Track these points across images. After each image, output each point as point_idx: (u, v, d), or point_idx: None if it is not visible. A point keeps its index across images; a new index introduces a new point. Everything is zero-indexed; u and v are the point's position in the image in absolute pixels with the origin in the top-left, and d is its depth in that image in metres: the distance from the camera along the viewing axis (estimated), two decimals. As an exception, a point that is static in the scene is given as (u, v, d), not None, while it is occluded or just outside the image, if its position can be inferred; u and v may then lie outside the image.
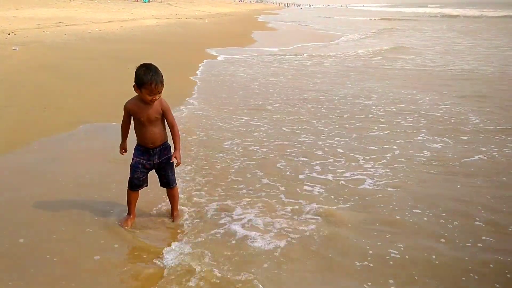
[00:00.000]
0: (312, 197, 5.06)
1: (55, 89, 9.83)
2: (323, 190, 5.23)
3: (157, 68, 3.97)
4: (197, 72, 13.27)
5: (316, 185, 5.38)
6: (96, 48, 16.76)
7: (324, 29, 36.82)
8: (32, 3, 34.79)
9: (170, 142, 4.24)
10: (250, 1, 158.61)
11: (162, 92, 3.98)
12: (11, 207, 4.53)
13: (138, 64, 4.00)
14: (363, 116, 8.66)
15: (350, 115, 8.76)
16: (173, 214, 4.44)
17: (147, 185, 4.35)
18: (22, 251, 3.76)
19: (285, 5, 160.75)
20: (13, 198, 4.73)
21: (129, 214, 4.34)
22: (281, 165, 6.02)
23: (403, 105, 9.59)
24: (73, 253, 3.75)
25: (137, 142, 4.19)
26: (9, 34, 17.65)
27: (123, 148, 4.30)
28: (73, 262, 3.64)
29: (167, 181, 4.34)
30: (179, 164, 4.17)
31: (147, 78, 3.88)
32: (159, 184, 4.42)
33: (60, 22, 23.98)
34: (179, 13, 45.57)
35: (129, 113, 4.12)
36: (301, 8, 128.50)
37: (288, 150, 6.62)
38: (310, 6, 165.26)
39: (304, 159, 6.28)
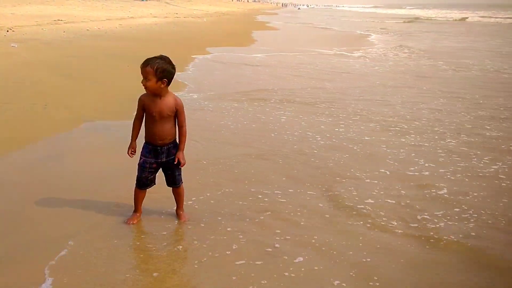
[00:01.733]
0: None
1: (55, 86, 9.76)
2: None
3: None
4: (191, 70, 13.28)
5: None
6: (95, 46, 16.68)
7: (343, 30, 36.00)
8: (29, 1, 34.67)
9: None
10: (248, 1, 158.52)
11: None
12: (16, 205, 4.48)
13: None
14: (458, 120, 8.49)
15: (442, 119, 8.58)
16: (178, 212, 4.39)
17: (155, 184, 4.30)
18: (27, 248, 3.72)
19: (282, 5, 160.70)
20: (18, 197, 4.68)
21: (135, 211, 4.29)
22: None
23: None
24: (79, 251, 3.70)
25: (145, 139, 4.13)
26: (7, 31, 17.58)
27: (132, 148, 4.15)
28: (80, 260, 3.59)
29: (174, 180, 4.28)
30: (184, 164, 4.13)
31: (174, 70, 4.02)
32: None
33: (59, 20, 23.89)
34: (177, 12, 45.48)
35: (143, 106, 4.03)
36: (299, 8, 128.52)
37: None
38: (308, 6, 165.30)
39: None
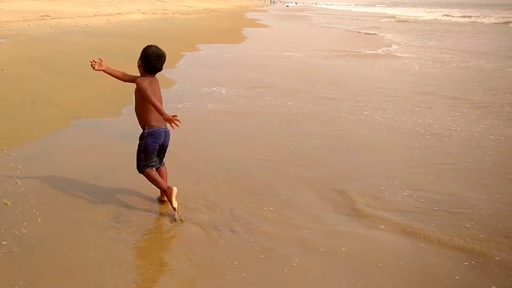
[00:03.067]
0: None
1: (43, 82, 9.64)
2: None
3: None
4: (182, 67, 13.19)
5: None
6: (83, 42, 16.49)
7: (349, 28, 34.11)
8: (15, -4, 34.16)
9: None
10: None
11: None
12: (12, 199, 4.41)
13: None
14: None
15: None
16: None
17: (158, 166, 4.49)
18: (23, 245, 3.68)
19: (270, 2, 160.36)
20: (6, 193, 4.60)
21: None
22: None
23: None
24: (71, 246, 3.67)
25: None
26: (-7, 26, 17.32)
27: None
28: (72, 255, 3.56)
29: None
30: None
31: None
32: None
33: (46, 16, 23.59)
34: (166, 9, 45.14)
35: None
36: (287, 6, 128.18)
37: None
38: (296, 3, 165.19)
39: None
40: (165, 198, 4.37)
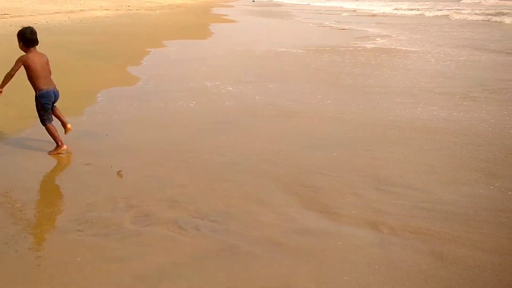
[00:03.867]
0: None
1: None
2: None
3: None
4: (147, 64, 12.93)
5: None
6: (44, 40, 15.79)
7: (325, 24, 32.18)
8: (-28, -6, 33.04)
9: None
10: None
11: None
12: None
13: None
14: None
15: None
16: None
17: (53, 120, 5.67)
18: None
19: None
20: None
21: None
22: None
23: None
24: (31, 250, 3.52)
25: None
26: None
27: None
28: (32, 259, 3.42)
29: None
30: None
31: None
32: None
33: (5, 14, 22.91)
34: (129, 5, 44.43)
35: None
36: (253, 1, 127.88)
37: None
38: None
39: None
40: (57, 152, 5.53)
